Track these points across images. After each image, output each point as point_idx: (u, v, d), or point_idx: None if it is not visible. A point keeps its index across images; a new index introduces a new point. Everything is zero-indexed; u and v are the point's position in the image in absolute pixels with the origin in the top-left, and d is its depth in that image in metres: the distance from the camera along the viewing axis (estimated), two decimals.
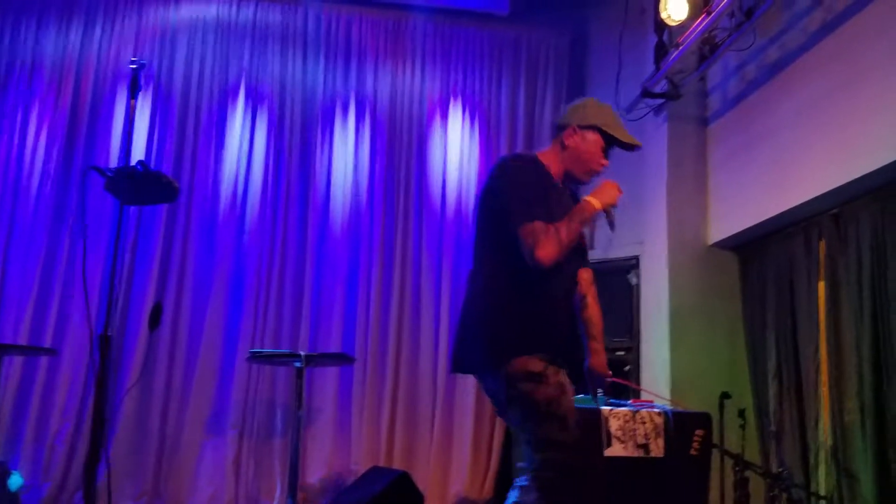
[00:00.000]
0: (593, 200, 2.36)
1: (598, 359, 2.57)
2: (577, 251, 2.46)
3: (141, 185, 2.51)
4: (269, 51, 5.36)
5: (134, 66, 2.56)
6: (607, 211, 2.41)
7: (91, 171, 2.56)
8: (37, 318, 4.71)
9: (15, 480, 4.26)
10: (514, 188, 2.35)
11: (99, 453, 2.36)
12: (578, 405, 3.49)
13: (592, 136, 2.49)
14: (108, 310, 2.40)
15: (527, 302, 2.36)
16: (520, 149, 5.55)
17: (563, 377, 2.34)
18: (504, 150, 5.52)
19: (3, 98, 4.98)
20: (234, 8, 5.34)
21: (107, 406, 2.59)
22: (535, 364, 2.28)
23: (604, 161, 2.51)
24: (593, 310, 2.62)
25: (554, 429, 2.27)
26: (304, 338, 4.96)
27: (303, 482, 4.71)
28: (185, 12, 5.26)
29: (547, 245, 2.26)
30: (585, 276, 2.60)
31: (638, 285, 5.22)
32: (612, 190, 2.41)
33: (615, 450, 3.40)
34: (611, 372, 2.59)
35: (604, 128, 2.50)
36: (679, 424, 3.49)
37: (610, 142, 2.51)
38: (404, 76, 5.53)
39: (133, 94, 2.52)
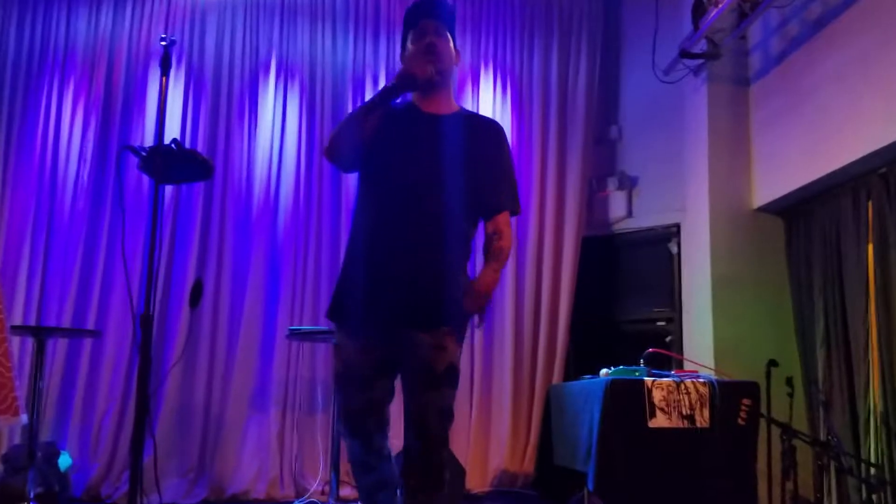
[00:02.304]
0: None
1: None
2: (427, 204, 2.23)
3: (175, 164, 2.50)
4: (299, 26, 5.30)
5: (164, 44, 2.53)
6: (411, 73, 2.23)
7: (126, 150, 2.55)
8: (80, 301, 4.77)
9: (64, 460, 4.35)
10: None
11: (144, 432, 2.37)
12: (614, 377, 3.49)
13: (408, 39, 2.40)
14: (148, 289, 2.40)
15: (343, 265, 2.37)
16: (553, 114, 5.44)
17: (352, 354, 2.26)
18: (537, 116, 5.43)
19: (38, 83, 5.01)
20: None
21: (151, 385, 2.60)
22: (338, 337, 2.32)
23: (417, 45, 2.32)
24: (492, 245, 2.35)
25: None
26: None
27: (344, 456, 4.73)
28: None
29: (330, 137, 2.30)
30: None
31: (679, 253, 5.12)
32: (407, 58, 2.28)
33: (659, 421, 3.34)
34: (479, 306, 2.26)
35: (406, 17, 2.43)
36: (725, 394, 3.42)
37: (408, 24, 2.40)
38: None
39: (165, 72, 2.50)
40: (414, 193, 2.23)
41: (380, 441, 2.27)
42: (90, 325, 4.71)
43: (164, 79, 2.57)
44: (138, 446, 2.43)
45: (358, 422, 2.23)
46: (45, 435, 4.43)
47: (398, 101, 2.36)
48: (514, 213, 2.41)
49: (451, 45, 2.36)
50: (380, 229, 2.25)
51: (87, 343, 4.71)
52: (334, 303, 2.34)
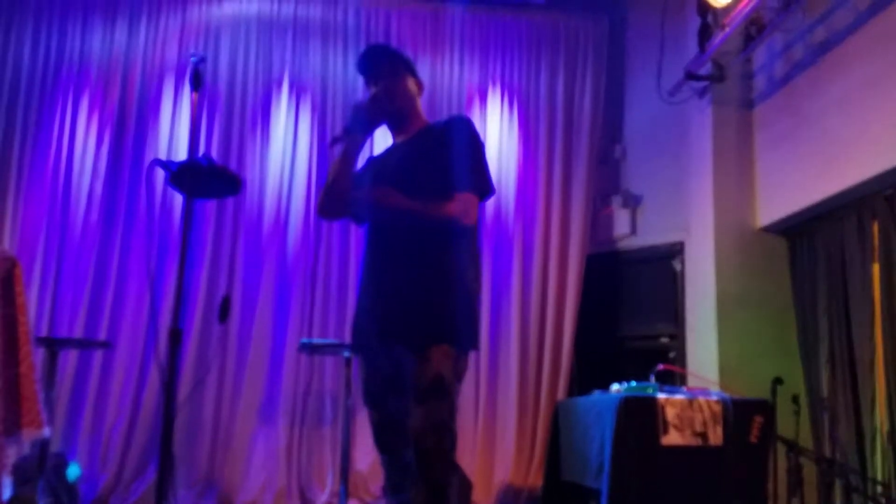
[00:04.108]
0: None
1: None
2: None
3: (205, 180, 2.54)
4: (311, 45, 5.37)
5: (194, 60, 2.58)
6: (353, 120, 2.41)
7: (154, 165, 2.58)
8: (91, 312, 4.79)
9: (73, 471, 4.35)
10: None
11: (171, 447, 2.40)
12: (627, 394, 3.53)
13: None
14: (176, 304, 2.43)
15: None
16: (558, 136, 5.52)
17: (364, 373, 2.42)
18: (543, 134, 5.50)
19: (53, 98, 5.05)
20: (276, 3, 5.37)
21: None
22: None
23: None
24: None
25: None
26: (350, 328, 4.98)
27: (352, 469, 4.76)
28: (228, 8, 5.30)
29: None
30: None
31: (682, 271, 5.17)
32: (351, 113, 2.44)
33: (672, 438, 3.38)
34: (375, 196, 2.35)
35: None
36: (738, 412, 3.47)
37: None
38: (443, 67, 5.52)
39: (196, 88, 2.54)
40: (384, 222, 2.36)
41: (406, 457, 2.26)
42: (101, 337, 4.73)
43: (193, 95, 2.62)
44: (165, 461, 2.45)
45: (379, 437, 2.34)
46: (54, 446, 4.42)
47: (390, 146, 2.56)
48: (474, 191, 2.35)
49: (402, 81, 2.48)
50: (369, 259, 2.41)
51: (98, 354, 4.73)
52: (352, 334, 2.54)
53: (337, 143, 2.40)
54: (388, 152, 2.53)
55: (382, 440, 2.32)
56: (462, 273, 2.32)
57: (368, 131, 2.45)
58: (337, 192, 2.38)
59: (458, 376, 2.27)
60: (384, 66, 2.47)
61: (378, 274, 2.34)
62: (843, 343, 4.27)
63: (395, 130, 2.53)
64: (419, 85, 2.55)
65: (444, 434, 2.18)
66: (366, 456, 4.88)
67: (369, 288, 2.37)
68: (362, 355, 2.40)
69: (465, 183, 2.30)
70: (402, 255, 2.30)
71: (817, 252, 4.58)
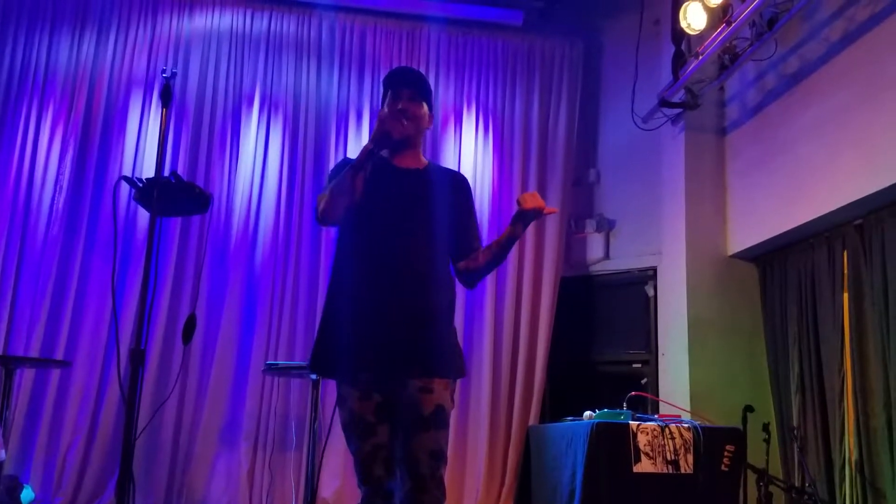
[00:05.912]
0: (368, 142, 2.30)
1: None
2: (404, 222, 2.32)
3: (173, 196, 2.46)
4: (284, 61, 5.31)
5: (166, 76, 2.51)
6: (386, 132, 2.25)
7: (121, 180, 2.50)
8: (49, 330, 4.64)
9: (27, 494, 4.19)
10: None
11: (130, 470, 2.30)
12: (599, 420, 3.49)
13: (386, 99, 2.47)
14: (139, 323, 2.34)
15: (326, 317, 2.36)
16: (533, 158, 5.51)
17: (354, 402, 2.24)
18: (518, 159, 5.49)
19: (17, 108, 4.92)
20: (249, 18, 5.31)
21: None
22: (340, 388, 2.30)
23: (392, 107, 2.38)
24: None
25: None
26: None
27: (317, 496, 4.64)
28: (199, 22, 5.22)
29: (320, 202, 2.29)
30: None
31: (655, 297, 5.17)
32: (380, 119, 2.29)
33: (644, 466, 3.35)
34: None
35: (384, 81, 2.52)
36: (709, 440, 3.44)
37: (387, 86, 2.47)
38: None
39: (166, 104, 2.47)
40: (403, 243, 2.31)
41: (389, 485, 2.25)
42: (59, 356, 4.57)
43: (163, 110, 2.55)
44: (124, 485, 2.35)
45: (367, 468, 2.24)
46: (7, 468, 4.26)
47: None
48: None
49: (426, 109, 2.46)
50: (370, 278, 2.29)
51: (55, 373, 4.58)
52: (320, 356, 2.35)
53: (374, 155, 2.28)
54: (391, 173, 2.42)
55: (369, 471, 2.23)
56: (453, 309, 2.40)
57: (389, 147, 2.36)
58: (349, 199, 2.27)
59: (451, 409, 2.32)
60: (426, 91, 2.48)
61: (388, 305, 2.26)
62: (813, 371, 4.29)
63: (399, 152, 2.45)
64: (431, 118, 2.55)
65: (441, 461, 2.21)
66: (331, 482, 4.78)
67: (371, 317, 2.26)
68: (354, 385, 2.26)
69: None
70: (417, 290, 2.29)
71: (788, 280, 4.61)
